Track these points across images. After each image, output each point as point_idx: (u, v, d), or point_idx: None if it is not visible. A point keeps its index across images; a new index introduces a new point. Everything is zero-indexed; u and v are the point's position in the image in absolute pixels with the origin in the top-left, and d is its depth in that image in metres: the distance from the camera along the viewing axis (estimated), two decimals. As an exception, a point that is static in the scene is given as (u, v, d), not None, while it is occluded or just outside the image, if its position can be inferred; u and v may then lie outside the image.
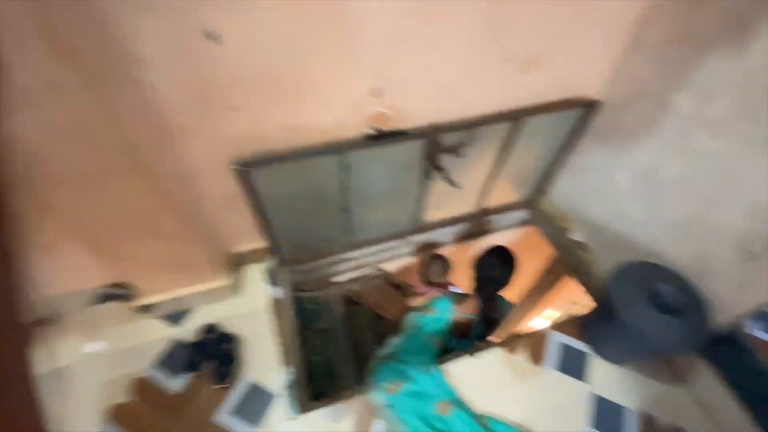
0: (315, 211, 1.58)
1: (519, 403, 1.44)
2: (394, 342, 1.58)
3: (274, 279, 1.77)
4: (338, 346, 1.98)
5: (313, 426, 1.38)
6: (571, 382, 1.49)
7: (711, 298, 1.31)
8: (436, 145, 1.44)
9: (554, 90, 1.48)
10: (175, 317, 1.62)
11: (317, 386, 1.75)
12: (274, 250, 1.70)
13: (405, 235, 1.97)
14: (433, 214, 1.91)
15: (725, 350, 1.34)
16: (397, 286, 2.45)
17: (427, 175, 1.60)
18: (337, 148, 1.32)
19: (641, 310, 1.28)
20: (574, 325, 1.65)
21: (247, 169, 1.26)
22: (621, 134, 1.54)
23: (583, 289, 1.87)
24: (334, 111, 1.24)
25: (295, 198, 1.47)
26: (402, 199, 1.71)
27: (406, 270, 2.47)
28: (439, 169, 1.50)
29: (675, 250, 1.43)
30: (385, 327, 2.65)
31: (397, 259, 2.22)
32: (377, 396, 1.40)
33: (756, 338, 1.46)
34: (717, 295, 1.31)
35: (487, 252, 1.67)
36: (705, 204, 1.29)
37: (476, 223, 2.16)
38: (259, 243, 1.71)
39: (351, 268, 2.12)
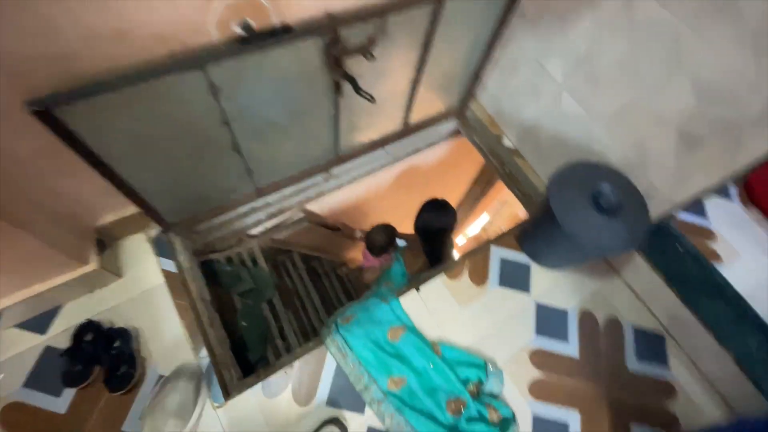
0: (191, 156, 1.19)
1: (468, 326, 1.37)
2: (351, 307, 1.40)
3: (163, 249, 1.40)
4: (270, 304, 1.75)
5: (247, 408, 1.19)
6: (515, 295, 1.45)
7: (649, 191, 1.25)
8: (339, 45, 1.08)
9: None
10: (37, 322, 1.24)
11: (255, 354, 1.55)
12: (151, 214, 1.31)
13: (324, 169, 1.67)
14: (353, 139, 1.60)
15: (655, 238, 1.34)
16: (330, 228, 2.20)
17: (335, 89, 1.25)
18: (193, 62, 0.91)
19: (583, 216, 1.19)
20: (512, 238, 1.58)
21: (50, 110, 0.82)
22: (553, 14, 1.30)
23: (519, 198, 1.78)
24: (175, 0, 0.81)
25: (155, 142, 1.07)
26: (309, 124, 1.36)
27: (336, 210, 2.21)
28: (347, 78, 1.16)
29: (614, 144, 1.32)
30: (322, 269, 2.47)
31: (322, 195, 1.93)
32: (330, 331, 1.29)
33: (683, 222, 1.49)
34: (655, 187, 1.25)
35: (423, 209, 1.63)
36: (647, 88, 1.15)
37: (404, 143, 1.91)
38: (131, 208, 1.31)
39: (267, 216, 1.80)
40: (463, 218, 3.90)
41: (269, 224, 1.92)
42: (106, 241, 1.34)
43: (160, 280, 1.35)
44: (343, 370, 1.25)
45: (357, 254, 3.11)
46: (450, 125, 2.03)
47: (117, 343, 1.20)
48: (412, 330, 1.31)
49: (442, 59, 1.44)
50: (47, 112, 0.81)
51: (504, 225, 6.03)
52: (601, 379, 1.34)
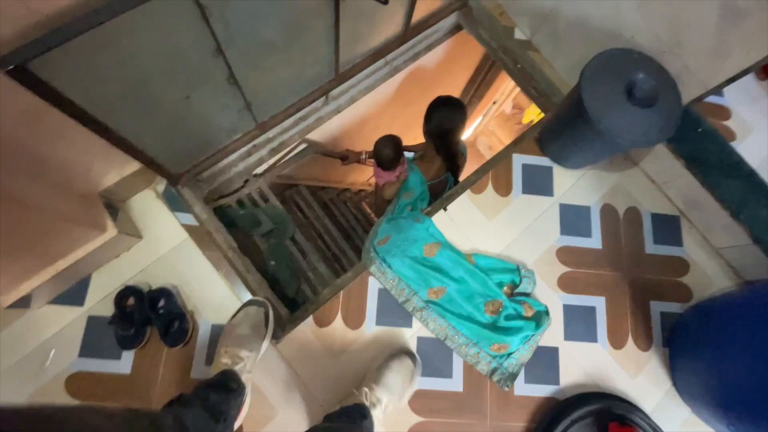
0: (187, 97, 1.04)
1: (497, 236, 1.40)
2: (383, 228, 1.40)
3: (175, 203, 1.33)
4: (293, 239, 1.75)
5: (304, 339, 1.26)
6: (539, 200, 1.46)
7: (682, 75, 1.18)
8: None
9: None
10: (72, 295, 1.21)
11: (291, 290, 1.59)
12: (155, 168, 1.20)
13: (324, 92, 1.51)
14: (353, 51, 1.42)
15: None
16: (335, 156, 2.09)
17: (334, -5, 1.06)
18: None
19: (618, 110, 1.13)
20: (532, 141, 1.53)
21: (26, 67, 0.67)
22: None
23: (533, 98, 1.68)
24: None
25: (145, 85, 0.92)
26: (307, 40, 1.19)
27: (338, 135, 2.08)
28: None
29: (646, 24, 1.20)
30: (330, 198, 2.44)
31: (321, 122, 1.79)
32: (369, 254, 1.32)
33: (704, 104, 1.44)
34: (690, 70, 1.17)
35: (433, 109, 1.55)
36: (697, -51, 1.00)
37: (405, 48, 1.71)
38: (132, 165, 1.19)
39: (269, 152, 1.68)
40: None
41: (272, 161, 1.81)
42: (115, 204, 1.25)
43: (184, 235, 1.30)
44: (386, 289, 1.30)
45: (364, 176, 3.05)
46: (451, 20, 1.81)
47: (161, 303, 1.20)
48: (447, 245, 1.34)
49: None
50: (24, 70, 0.66)
51: (497, 128, 5.91)
52: (622, 264, 1.44)
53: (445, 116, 1.53)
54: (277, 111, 1.41)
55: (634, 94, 1.14)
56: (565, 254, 1.42)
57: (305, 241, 1.70)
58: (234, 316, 1.18)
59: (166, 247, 1.29)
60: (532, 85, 1.65)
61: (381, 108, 2.29)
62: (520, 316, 1.31)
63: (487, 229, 1.41)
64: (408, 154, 1.85)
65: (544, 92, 1.63)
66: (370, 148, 2.03)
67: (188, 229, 1.31)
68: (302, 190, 2.12)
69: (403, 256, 1.29)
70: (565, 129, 1.33)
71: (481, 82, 2.87)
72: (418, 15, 1.52)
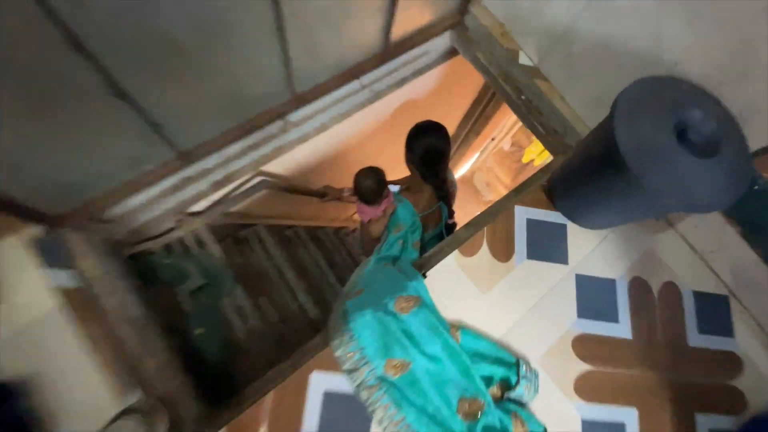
0: (48, 112, 0.70)
1: (493, 317, 1.04)
2: (363, 277, 1.15)
3: (53, 255, 0.96)
4: (232, 298, 1.37)
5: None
6: (549, 268, 1.11)
7: (747, 114, 0.86)
8: None
9: None
10: None
11: (220, 369, 1.20)
12: (18, 211, 0.85)
13: (278, 115, 1.18)
14: (312, 66, 1.11)
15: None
16: (312, 193, 1.74)
17: (270, -18, 0.75)
18: None
19: (667, 158, 0.80)
20: (539, 190, 1.20)
21: None
22: None
23: (539, 135, 1.37)
24: None
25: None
26: (237, 44, 0.87)
27: (305, 168, 1.75)
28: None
29: (698, 47, 0.90)
30: (297, 237, 2.08)
31: (282, 152, 1.46)
32: (338, 321, 1.00)
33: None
34: (757, 107, 0.86)
35: (414, 133, 1.33)
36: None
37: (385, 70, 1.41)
38: (-28, 205, 0.84)
39: (211, 186, 1.34)
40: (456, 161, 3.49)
41: (216, 196, 1.46)
42: (-48, 256, 0.88)
43: (52, 302, 0.93)
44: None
45: (345, 212, 2.71)
46: (443, 41, 1.52)
47: (6, 404, 0.81)
48: (428, 306, 0.98)
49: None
50: None
51: (495, 165, 5.67)
52: (658, 361, 1.07)
53: (431, 142, 1.30)
54: (208, 137, 1.08)
55: (688, 138, 0.82)
56: (584, 345, 1.05)
57: (246, 299, 1.33)
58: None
59: (25, 320, 0.91)
60: (539, 121, 1.34)
61: (363, 139, 1.98)
62: None
63: (479, 305, 1.04)
64: (393, 187, 1.57)
65: (553, 130, 1.32)
66: (349, 184, 1.76)
67: (65, 292, 0.94)
68: (261, 229, 1.77)
69: (368, 310, 0.95)
70: (587, 179, 1.00)
71: (479, 116, 2.59)
72: (400, 29, 1.22)
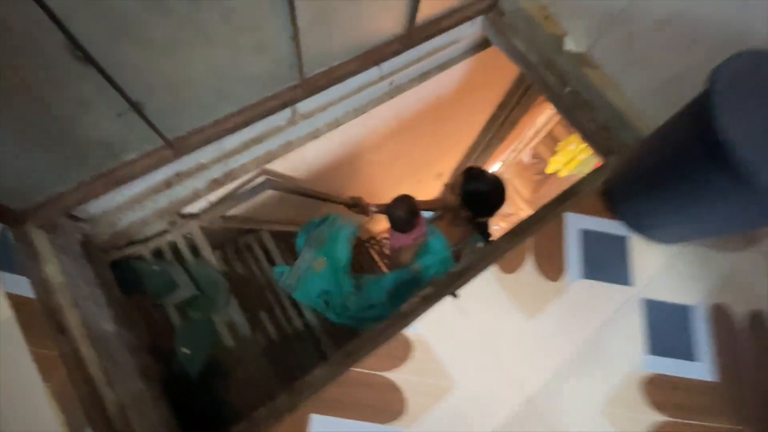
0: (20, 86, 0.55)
1: (540, 350, 0.84)
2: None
3: (9, 257, 0.80)
4: (226, 313, 1.19)
5: None
6: (610, 290, 0.90)
7: None
8: None
9: None
10: None
11: (205, 399, 1.02)
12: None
13: (284, 103, 1.02)
14: (325, 44, 0.94)
15: None
16: (338, 201, 1.62)
17: None
18: None
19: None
20: (595, 195, 1.00)
21: None
22: None
23: (586, 133, 1.18)
24: None
25: None
26: (234, 6, 0.71)
27: (319, 172, 1.59)
28: None
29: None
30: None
31: (290, 148, 1.30)
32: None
33: None
34: None
35: (478, 176, 1.34)
36: None
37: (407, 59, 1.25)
38: None
39: (208, 184, 1.18)
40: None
41: (215, 196, 1.30)
42: None
43: (7, 312, 0.76)
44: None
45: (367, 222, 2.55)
46: (473, 30, 1.36)
47: None
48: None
49: None
50: None
51: (514, 176, 5.46)
52: (749, 411, 0.84)
53: (494, 199, 1.32)
54: (202, 123, 0.92)
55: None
56: (657, 390, 0.83)
57: (243, 314, 1.14)
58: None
59: (-33, 335, 0.75)
60: (589, 117, 1.15)
61: (379, 140, 1.81)
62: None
63: (524, 333, 0.84)
64: (426, 213, 1.51)
65: (605, 126, 1.13)
66: (362, 191, 1.76)
67: (16, 303, 0.77)
68: (265, 236, 1.60)
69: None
70: (664, 180, 0.80)
71: (505, 120, 2.41)
72: (427, 7, 1.06)
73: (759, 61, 0.68)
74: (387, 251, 2.92)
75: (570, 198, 1.01)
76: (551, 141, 4.32)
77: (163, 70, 0.73)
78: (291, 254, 1.80)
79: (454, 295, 0.85)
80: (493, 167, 3.79)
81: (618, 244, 0.93)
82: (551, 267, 0.90)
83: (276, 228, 1.71)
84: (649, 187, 0.84)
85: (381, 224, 3.24)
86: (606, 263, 0.91)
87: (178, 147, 0.92)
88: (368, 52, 1.07)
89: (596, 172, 1.06)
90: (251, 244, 1.56)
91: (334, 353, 1.36)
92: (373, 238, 3.07)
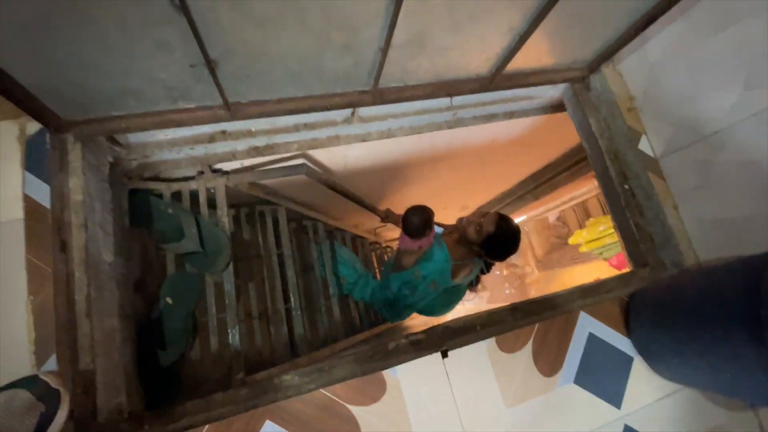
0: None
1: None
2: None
3: (40, 160, 0.81)
4: (218, 277, 1.18)
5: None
6: (597, 405, 0.87)
7: None
8: None
9: None
10: None
11: (171, 355, 1.02)
12: (22, 101, 0.70)
13: (349, 102, 1.01)
14: (409, 63, 0.93)
15: None
16: (371, 209, 1.67)
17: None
18: None
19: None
20: (616, 304, 0.96)
21: None
22: None
23: (625, 236, 1.14)
24: None
25: None
26: (340, 5, 0.69)
27: (352, 174, 1.58)
28: None
29: None
30: (315, 233, 1.90)
31: (337, 143, 1.28)
32: None
33: None
34: None
35: (502, 222, 1.40)
36: None
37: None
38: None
39: (248, 149, 1.18)
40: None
41: (249, 162, 1.30)
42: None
43: (18, 213, 0.77)
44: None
45: (365, 222, 2.54)
46: (554, 92, 1.33)
47: None
48: None
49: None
50: None
51: (532, 231, 5.38)
52: None
53: (509, 246, 1.42)
54: (265, 97, 0.91)
55: None
56: None
57: (232, 281, 1.14)
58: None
59: (-20, 221, 0.75)
60: (636, 221, 1.11)
61: (421, 158, 1.79)
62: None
63: (498, 419, 0.81)
64: (439, 228, 1.64)
65: (649, 236, 1.09)
66: (387, 200, 2.00)
67: (30, 207, 0.78)
68: (281, 212, 1.60)
69: None
70: (691, 322, 0.76)
71: (547, 181, 2.37)
72: (519, 60, 1.03)
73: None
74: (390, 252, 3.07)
75: (590, 296, 0.98)
76: (582, 211, 4.25)
77: (249, 40, 0.72)
78: (297, 235, 1.79)
79: (445, 354, 0.83)
80: (518, 218, 3.73)
81: (621, 363, 0.90)
82: (547, 361, 0.87)
83: (293, 207, 1.71)
84: (673, 323, 0.81)
85: (393, 233, 3.24)
86: (602, 376, 0.88)
87: (234, 111, 0.91)
88: (446, 83, 1.05)
89: (624, 280, 1.02)
90: (265, 214, 1.56)
91: (305, 355, 1.37)
92: (378, 242, 3.06)
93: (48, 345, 0.72)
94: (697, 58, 0.95)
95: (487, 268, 1.59)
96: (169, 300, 1.07)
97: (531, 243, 5.48)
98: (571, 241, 3.64)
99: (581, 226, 3.80)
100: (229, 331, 1.10)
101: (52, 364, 0.71)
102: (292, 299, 1.50)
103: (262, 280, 1.47)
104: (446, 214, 3.29)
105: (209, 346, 1.12)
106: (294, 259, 1.60)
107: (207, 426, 0.72)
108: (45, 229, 0.77)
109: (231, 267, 1.17)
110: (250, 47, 0.74)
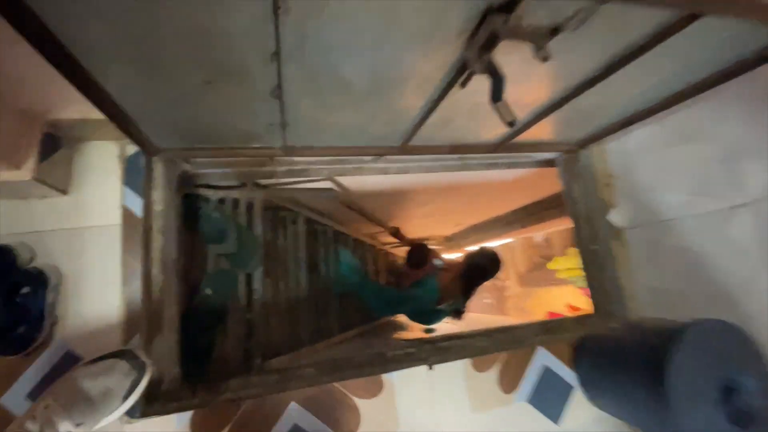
0: (209, 82, 0.76)
1: (468, 437, 1.05)
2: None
3: (136, 175, 1.01)
4: (248, 275, 1.41)
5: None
6: (540, 421, 1.12)
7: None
8: (509, 18, 0.61)
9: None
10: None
11: (206, 339, 1.24)
12: (132, 134, 0.90)
13: (379, 154, 1.23)
14: (434, 135, 1.15)
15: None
16: (385, 228, 1.99)
17: (459, 73, 0.79)
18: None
19: (703, 412, 0.82)
20: (568, 344, 1.21)
21: None
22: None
23: (591, 289, 1.39)
24: None
25: (162, 44, 0.64)
26: (392, 99, 0.91)
27: (369, 195, 1.81)
28: (491, 73, 0.70)
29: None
30: (325, 235, 2.12)
31: (360, 173, 1.50)
32: None
33: None
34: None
35: (480, 256, 1.83)
36: None
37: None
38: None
39: (287, 172, 1.39)
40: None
41: (285, 181, 1.52)
42: (61, 140, 0.94)
43: (117, 219, 0.98)
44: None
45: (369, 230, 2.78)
46: (548, 155, 1.56)
47: (25, 290, 0.86)
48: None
49: (612, 89, 0.96)
50: None
51: (518, 248, 5.64)
52: None
53: (489, 267, 1.80)
54: (315, 145, 1.13)
55: (732, 401, 0.83)
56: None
57: (261, 279, 1.36)
58: (94, 361, 0.83)
59: (87, 222, 0.96)
60: (597, 276, 1.36)
61: (423, 188, 2.02)
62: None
63: (464, 422, 1.06)
64: (437, 261, 2.11)
65: (605, 292, 1.34)
66: (392, 215, 2.35)
67: (127, 215, 0.99)
68: (300, 218, 1.81)
69: None
70: (621, 372, 1.01)
71: (535, 214, 2.62)
72: (523, 137, 1.26)
73: (710, 333, 0.89)
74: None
75: (550, 333, 1.23)
76: (568, 238, 4.53)
77: (316, 115, 0.94)
78: (311, 234, 2.02)
79: (430, 367, 1.07)
80: (505, 240, 3.99)
81: (565, 390, 1.15)
82: (508, 381, 1.12)
83: (312, 216, 1.93)
84: (608, 365, 1.06)
85: (391, 239, 3.51)
86: (549, 399, 1.14)
87: (288, 152, 1.12)
88: (459, 146, 1.27)
89: (579, 323, 1.28)
90: (285, 219, 1.78)
91: (319, 356, 1.61)
92: (375, 246, 3.30)
93: (133, 327, 0.94)
94: (661, 159, 1.19)
95: (465, 300, 1.96)
96: (209, 291, 1.29)
97: (514, 259, 5.78)
98: (550, 266, 3.93)
99: (563, 253, 4.08)
100: (249, 320, 1.33)
101: (135, 341, 0.93)
102: (300, 296, 1.73)
103: (277, 278, 1.70)
104: (441, 227, 3.56)
105: (234, 333, 1.34)
106: (305, 261, 1.83)
107: (247, 401, 0.95)
108: (135, 233, 0.98)
109: (261, 268, 1.40)
110: (316, 119, 0.96)
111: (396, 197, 2.08)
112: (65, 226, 0.94)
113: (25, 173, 0.83)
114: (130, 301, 0.94)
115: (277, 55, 0.68)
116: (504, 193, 2.31)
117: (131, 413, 0.87)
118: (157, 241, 1.03)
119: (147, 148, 1.00)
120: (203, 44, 0.64)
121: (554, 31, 0.68)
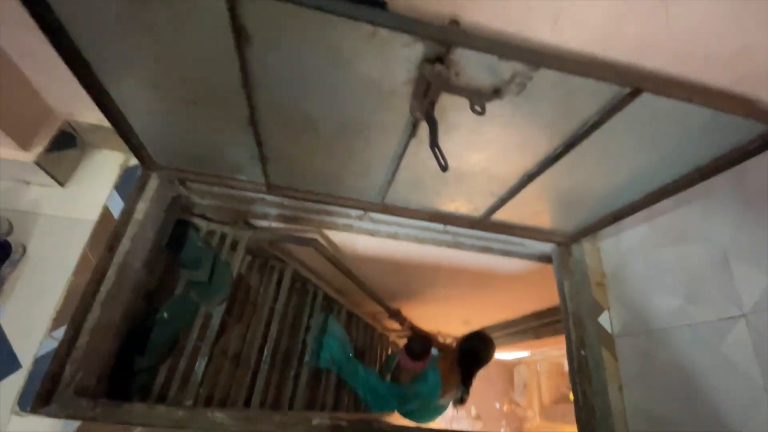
0: (195, 103, 0.87)
1: None
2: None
3: (128, 184, 1.11)
4: (210, 309, 1.38)
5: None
6: None
7: None
8: (441, 72, 0.67)
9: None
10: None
11: (148, 360, 1.19)
12: (132, 144, 1.02)
13: (361, 207, 1.26)
14: (408, 195, 1.17)
15: None
16: (385, 306, 2.10)
17: (412, 125, 0.84)
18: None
19: None
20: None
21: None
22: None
23: (575, 397, 1.18)
24: None
25: (158, 62, 0.76)
26: (359, 148, 0.97)
27: (361, 256, 1.82)
28: (428, 120, 0.74)
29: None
30: (312, 295, 2.07)
31: (349, 230, 1.52)
32: None
33: None
34: None
35: (476, 338, 1.81)
36: None
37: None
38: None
39: (278, 216, 1.45)
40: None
41: (275, 225, 1.57)
42: (76, 140, 1.09)
43: (95, 216, 1.05)
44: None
45: (370, 308, 2.68)
46: (543, 247, 1.49)
47: (-14, 257, 0.91)
48: None
49: (582, 170, 0.95)
50: None
51: (544, 372, 5.06)
52: None
53: (484, 352, 1.76)
54: (298, 187, 1.19)
55: None
56: None
57: (223, 317, 1.32)
58: None
59: (70, 213, 1.05)
60: (583, 389, 1.16)
61: (419, 263, 1.96)
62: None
63: None
64: (434, 350, 1.98)
65: (591, 409, 1.12)
66: (389, 290, 2.30)
67: (105, 215, 1.06)
68: (287, 270, 1.81)
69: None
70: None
71: (548, 323, 2.39)
72: (506, 215, 1.24)
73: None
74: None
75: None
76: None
77: (293, 153, 1.01)
78: (295, 294, 1.97)
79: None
80: (521, 352, 3.61)
81: None
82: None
83: (299, 269, 1.92)
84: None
85: (392, 323, 3.32)
86: None
87: (270, 189, 1.19)
88: (440, 214, 1.27)
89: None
90: (274, 268, 1.79)
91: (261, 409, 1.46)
92: (373, 327, 3.12)
93: (65, 318, 0.93)
94: (653, 261, 1.09)
95: (467, 385, 1.83)
96: (165, 315, 1.27)
97: (539, 385, 5.10)
98: (571, 397, 3.39)
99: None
100: (198, 359, 1.26)
101: (60, 332, 0.92)
102: (266, 353, 1.63)
103: (247, 326, 1.64)
104: (448, 322, 3.34)
105: (177, 366, 1.27)
106: (282, 316, 1.76)
107: (139, 428, 0.86)
108: (105, 232, 1.04)
109: (224, 305, 1.37)
110: (292, 157, 1.03)
111: (391, 269, 2.02)
112: (48, 213, 1.03)
113: (29, 155, 0.95)
114: (71, 295, 0.96)
115: (245, 84, 0.78)
116: (507, 292, 2.18)
117: (22, 405, 0.81)
118: (124, 246, 1.07)
119: (145, 161, 1.12)
120: (182, 65, 0.76)
121: (496, 92, 0.72)
